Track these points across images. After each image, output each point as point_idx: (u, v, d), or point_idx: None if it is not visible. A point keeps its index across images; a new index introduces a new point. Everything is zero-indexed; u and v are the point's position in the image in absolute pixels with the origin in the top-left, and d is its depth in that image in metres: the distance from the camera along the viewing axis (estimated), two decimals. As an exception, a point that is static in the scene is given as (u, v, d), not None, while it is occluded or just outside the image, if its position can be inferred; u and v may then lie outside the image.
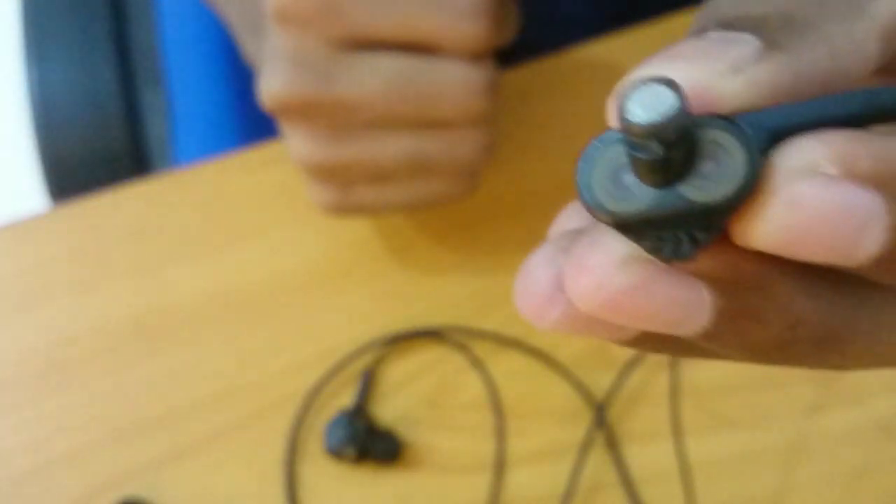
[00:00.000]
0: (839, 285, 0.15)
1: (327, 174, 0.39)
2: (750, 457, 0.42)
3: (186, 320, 0.45)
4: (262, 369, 0.44)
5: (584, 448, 0.42)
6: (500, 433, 0.43)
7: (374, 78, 0.37)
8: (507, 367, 0.44)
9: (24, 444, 0.43)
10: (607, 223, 0.14)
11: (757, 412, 0.43)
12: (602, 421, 0.42)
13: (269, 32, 0.38)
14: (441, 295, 0.45)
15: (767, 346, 0.15)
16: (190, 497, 0.42)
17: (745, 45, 0.14)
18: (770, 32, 0.15)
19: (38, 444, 0.43)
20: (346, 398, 0.43)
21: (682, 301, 0.14)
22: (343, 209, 0.41)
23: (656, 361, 0.43)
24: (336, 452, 0.41)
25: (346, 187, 0.40)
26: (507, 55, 0.48)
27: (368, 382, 0.43)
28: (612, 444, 0.42)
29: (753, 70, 0.14)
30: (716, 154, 0.13)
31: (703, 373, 0.43)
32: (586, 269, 0.14)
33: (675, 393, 0.43)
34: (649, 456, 0.42)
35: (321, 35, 0.37)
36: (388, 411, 0.43)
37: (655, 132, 0.13)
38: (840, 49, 0.15)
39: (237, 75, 0.58)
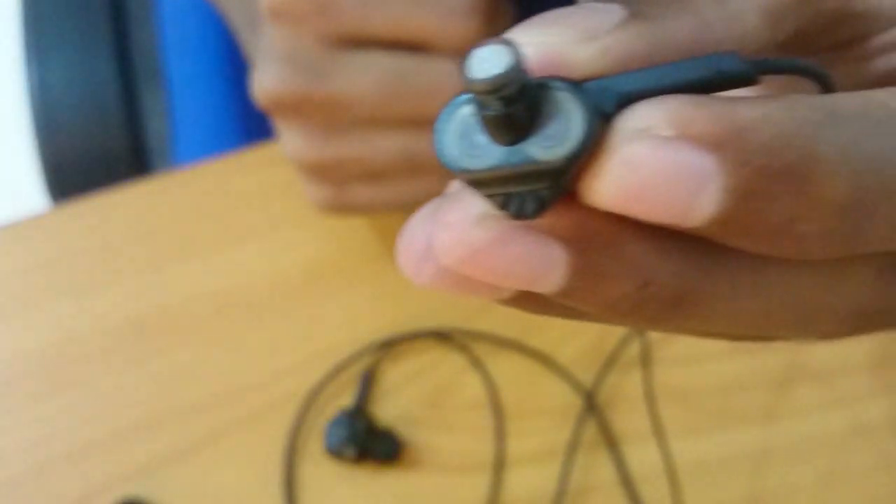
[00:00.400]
0: (692, 247, 0.15)
1: (321, 172, 0.39)
2: (746, 455, 0.42)
3: (187, 320, 0.45)
4: (262, 369, 0.44)
5: (577, 431, 0.42)
6: (500, 433, 0.43)
7: (366, 75, 0.37)
8: (507, 368, 0.44)
9: (24, 444, 0.43)
10: (461, 179, 0.15)
11: (754, 411, 0.43)
12: (592, 406, 0.42)
13: (263, 29, 0.38)
14: (441, 295, 0.45)
15: (622, 305, 0.15)
16: (190, 497, 0.42)
17: (609, 13, 0.15)
18: (636, 2, 0.15)
19: (38, 444, 0.43)
20: (346, 398, 0.43)
21: (536, 257, 0.14)
22: (338, 208, 0.41)
23: (652, 359, 0.43)
24: (336, 452, 0.41)
25: (340, 185, 0.40)
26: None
27: (368, 382, 0.43)
28: (604, 431, 0.42)
29: (609, 37, 0.15)
30: (558, 115, 0.14)
31: (697, 371, 0.43)
32: (446, 226, 0.15)
33: (650, 392, 0.43)
34: (646, 453, 0.42)
35: (314, 32, 0.37)
36: (388, 411, 0.43)
37: (492, 87, 0.13)
38: (709, 20, 0.15)
39: (237, 75, 0.58)
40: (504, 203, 0.14)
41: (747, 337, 0.17)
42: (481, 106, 0.14)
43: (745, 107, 0.14)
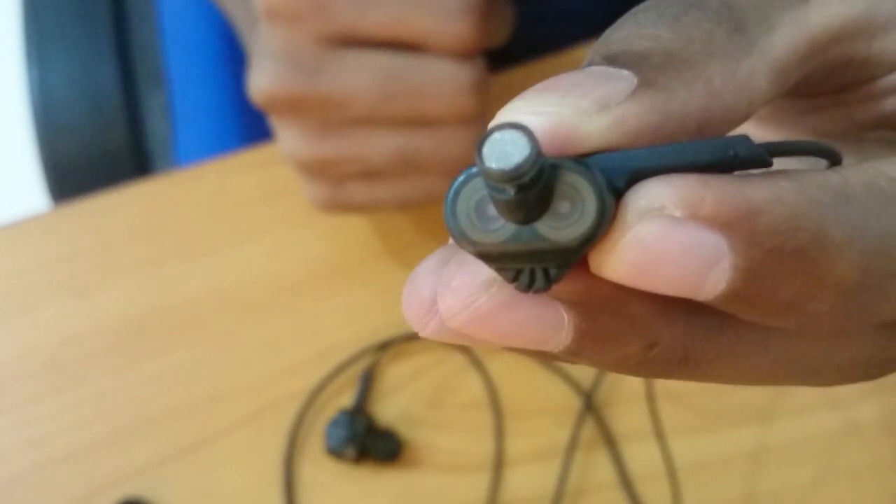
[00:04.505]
0: (697, 312, 0.15)
1: (317, 170, 0.40)
2: (743, 455, 0.42)
3: (186, 320, 0.45)
4: (262, 369, 0.44)
5: (576, 431, 0.42)
6: (499, 433, 0.43)
7: (361, 75, 0.37)
8: (506, 368, 0.44)
9: (24, 443, 0.43)
10: (469, 251, 0.14)
11: (750, 412, 0.43)
12: (590, 406, 0.42)
13: (259, 28, 0.38)
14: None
15: (627, 363, 0.15)
16: (190, 497, 0.42)
17: (620, 81, 0.15)
18: (648, 70, 0.15)
19: (38, 444, 0.43)
20: (346, 398, 0.43)
21: (542, 322, 0.15)
22: (335, 206, 0.41)
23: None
24: (336, 452, 0.41)
25: (337, 184, 0.40)
26: (508, 54, 0.48)
27: (368, 382, 0.43)
28: (603, 431, 0.42)
29: (620, 109, 0.14)
30: (571, 196, 0.14)
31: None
32: (451, 289, 0.15)
33: (651, 392, 0.43)
34: (644, 453, 0.42)
35: (310, 32, 0.37)
36: (388, 411, 0.43)
37: (508, 178, 0.13)
38: (720, 88, 0.15)
39: (237, 75, 0.58)
40: (513, 277, 0.14)
41: (727, 383, 0.18)
42: (493, 189, 0.13)
43: (755, 187, 0.14)
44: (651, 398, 0.42)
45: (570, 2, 0.59)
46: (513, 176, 0.13)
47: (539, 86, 0.15)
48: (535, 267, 0.14)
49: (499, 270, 0.14)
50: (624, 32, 0.16)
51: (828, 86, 0.19)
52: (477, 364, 0.44)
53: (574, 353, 0.15)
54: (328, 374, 0.44)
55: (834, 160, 0.17)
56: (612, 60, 0.15)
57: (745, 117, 0.16)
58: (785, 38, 0.16)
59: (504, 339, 0.15)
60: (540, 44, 0.49)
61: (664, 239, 0.13)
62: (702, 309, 0.15)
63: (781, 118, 0.21)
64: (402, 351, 0.44)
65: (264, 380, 0.44)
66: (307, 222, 0.46)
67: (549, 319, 0.15)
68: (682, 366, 0.16)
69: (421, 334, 0.16)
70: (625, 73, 0.15)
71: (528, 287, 0.14)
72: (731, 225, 0.13)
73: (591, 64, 0.15)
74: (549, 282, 0.14)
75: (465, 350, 0.44)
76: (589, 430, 0.42)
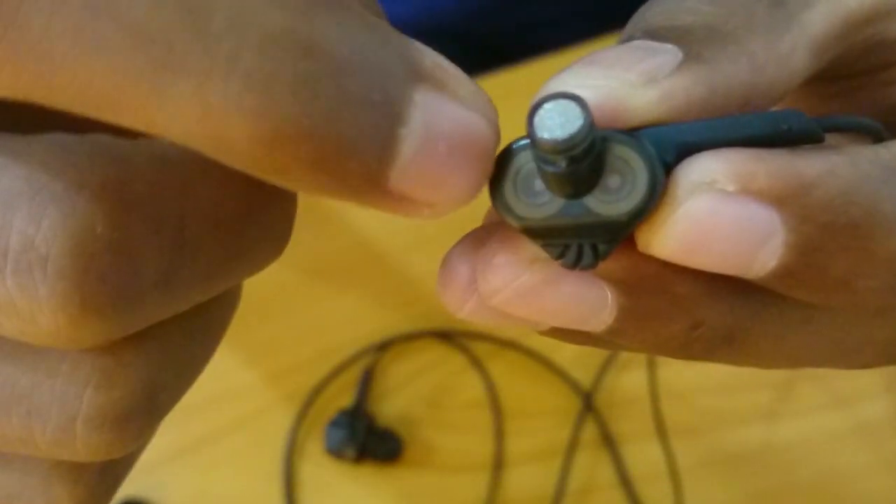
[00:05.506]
0: (742, 291, 0.15)
1: None
2: (746, 455, 0.42)
3: (187, 320, 0.45)
4: (262, 369, 0.44)
5: (576, 431, 0.42)
6: (499, 433, 0.43)
7: None
8: (506, 368, 0.44)
9: (24, 443, 0.43)
10: (514, 227, 0.14)
11: (754, 411, 0.43)
12: (590, 406, 0.42)
13: None
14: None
15: (671, 343, 0.15)
16: (190, 497, 0.42)
17: (666, 54, 0.14)
18: (693, 44, 0.15)
19: (38, 444, 0.43)
20: (346, 398, 0.43)
21: (586, 300, 0.14)
22: None
23: (647, 360, 0.43)
24: (336, 452, 0.41)
25: None
26: (507, 55, 0.48)
27: (368, 382, 0.43)
28: (603, 431, 0.42)
29: (668, 82, 0.14)
30: (621, 169, 0.13)
31: (697, 371, 0.43)
32: (493, 267, 0.14)
33: (655, 392, 0.43)
34: (644, 453, 0.42)
35: None
36: (388, 411, 0.43)
37: (560, 149, 0.13)
38: (763, 62, 0.15)
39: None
40: (560, 253, 0.14)
41: (772, 366, 0.17)
42: (543, 161, 0.13)
43: (808, 161, 0.13)
44: (655, 398, 0.42)
45: (569, 5, 0.59)
46: (565, 147, 0.13)
47: (584, 59, 0.15)
48: (582, 243, 0.14)
49: (544, 247, 0.14)
50: (662, 7, 0.16)
51: (857, 68, 0.19)
52: (477, 364, 0.44)
53: (617, 333, 0.15)
54: (328, 374, 0.44)
55: (879, 137, 0.17)
56: (653, 34, 0.15)
57: (785, 92, 0.16)
58: (822, 15, 0.16)
59: (546, 318, 0.14)
60: (539, 47, 0.49)
61: (716, 214, 0.13)
62: (746, 288, 0.15)
63: (805, 102, 0.20)
64: (402, 351, 0.44)
65: (264, 380, 0.44)
66: (307, 222, 0.46)
67: (592, 297, 0.14)
68: (726, 346, 0.15)
69: (458, 315, 0.15)
70: (669, 46, 0.15)
71: (576, 263, 0.14)
72: (784, 199, 0.13)
73: (631, 39, 0.15)
74: (597, 258, 0.14)
75: (465, 350, 0.44)
76: (589, 431, 0.42)
